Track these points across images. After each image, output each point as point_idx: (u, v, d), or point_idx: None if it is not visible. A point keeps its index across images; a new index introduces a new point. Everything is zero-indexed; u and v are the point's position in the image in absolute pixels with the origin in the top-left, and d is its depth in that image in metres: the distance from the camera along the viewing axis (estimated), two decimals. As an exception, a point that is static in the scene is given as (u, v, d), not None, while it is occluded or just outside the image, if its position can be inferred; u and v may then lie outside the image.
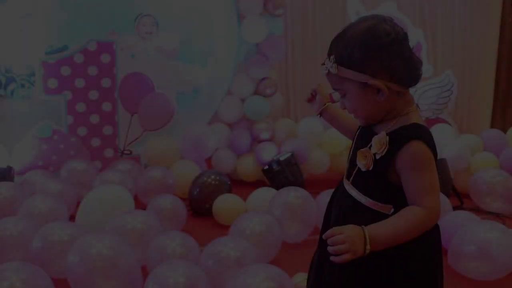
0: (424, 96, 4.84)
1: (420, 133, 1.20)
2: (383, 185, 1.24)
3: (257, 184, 4.02)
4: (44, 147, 3.94)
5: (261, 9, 4.32)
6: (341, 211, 1.34)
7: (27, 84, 4.26)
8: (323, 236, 1.14)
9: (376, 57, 1.17)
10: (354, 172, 1.29)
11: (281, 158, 3.91)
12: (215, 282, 2.08)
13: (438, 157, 3.98)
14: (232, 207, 3.22)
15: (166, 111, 4.25)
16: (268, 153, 4.09)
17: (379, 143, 1.20)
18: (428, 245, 1.27)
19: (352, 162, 1.31)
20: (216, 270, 2.15)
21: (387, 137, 1.20)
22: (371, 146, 1.24)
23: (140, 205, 3.31)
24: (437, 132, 4.46)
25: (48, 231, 2.32)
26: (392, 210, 1.23)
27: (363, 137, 1.31)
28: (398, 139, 1.19)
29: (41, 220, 2.70)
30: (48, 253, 2.25)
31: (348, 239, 1.10)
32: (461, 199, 3.81)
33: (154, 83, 4.23)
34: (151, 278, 1.91)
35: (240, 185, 4.16)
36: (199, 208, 3.46)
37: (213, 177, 3.53)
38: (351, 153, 1.36)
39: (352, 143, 1.39)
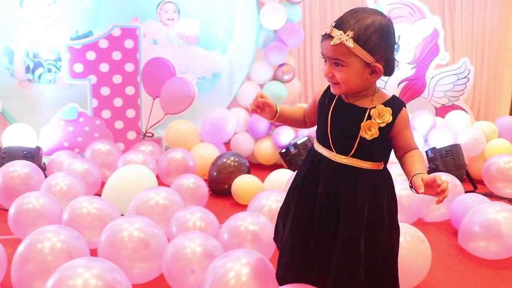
0: (440, 83, 4.87)
1: (402, 102, 1.55)
2: (384, 146, 1.55)
3: (274, 167, 4.12)
4: (70, 129, 4.10)
5: (280, -4, 4.40)
6: (346, 185, 1.53)
7: (53, 69, 4.43)
8: (443, 187, 1.39)
9: (384, 47, 1.44)
10: (356, 145, 1.52)
11: (298, 142, 4.01)
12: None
13: (454, 143, 4.02)
14: (251, 187, 3.31)
15: (187, 95, 4.37)
16: (286, 137, 4.20)
17: (382, 115, 1.49)
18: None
19: (347, 137, 1.53)
20: (234, 244, 2.27)
21: (389, 109, 1.49)
22: (369, 118, 1.50)
23: (161, 185, 3.45)
24: (453, 119, 4.51)
25: (76, 204, 2.47)
26: (383, 165, 1.57)
27: (347, 112, 1.54)
28: (395, 109, 1.50)
29: (60, 195, 2.87)
30: (77, 225, 2.39)
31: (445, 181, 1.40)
32: (474, 184, 3.86)
33: (176, 68, 4.33)
34: (170, 247, 2.03)
35: (258, 168, 4.27)
36: (219, 189, 3.57)
37: (232, 158, 3.63)
38: (333, 131, 1.56)
39: (329, 122, 1.57)
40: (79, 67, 4.02)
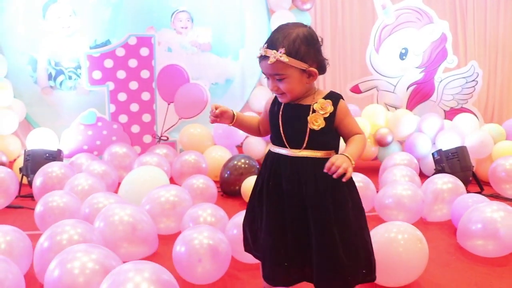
0: (449, 87, 4.92)
1: (339, 94, 1.75)
2: (332, 135, 1.74)
3: (284, 169, 4.23)
4: (89, 133, 4.30)
5: (289, 4, 4.54)
6: (305, 175, 1.70)
7: (74, 76, 4.65)
8: (326, 170, 1.58)
9: (313, 52, 1.66)
10: (307, 137, 1.69)
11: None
12: (238, 249, 2.32)
13: (460, 145, 4.05)
14: (259, 187, 3.43)
15: (200, 100, 4.52)
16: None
17: (324, 107, 1.69)
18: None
19: (297, 132, 1.71)
20: (239, 239, 2.39)
21: (329, 100, 1.70)
22: (314, 112, 1.69)
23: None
24: (460, 121, 4.55)
25: (94, 200, 2.64)
26: (334, 153, 1.72)
27: (295, 111, 1.74)
28: (334, 101, 1.71)
29: (82, 194, 3.02)
30: (93, 218, 2.55)
31: (342, 163, 1.57)
32: (481, 186, 3.90)
33: (189, 74, 4.49)
34: (180, 239, 2.18)
35: (268, 170, 4.38)
36: (229, 190, 3.70)
37: (243, 160, 3.75)
38: (285, 130, 1.73)
39: (281, 123, 1.75)
40: (97, 74, 4.21)
